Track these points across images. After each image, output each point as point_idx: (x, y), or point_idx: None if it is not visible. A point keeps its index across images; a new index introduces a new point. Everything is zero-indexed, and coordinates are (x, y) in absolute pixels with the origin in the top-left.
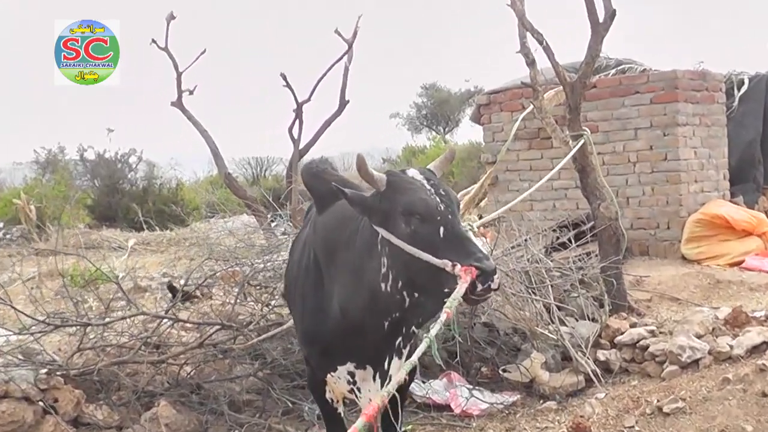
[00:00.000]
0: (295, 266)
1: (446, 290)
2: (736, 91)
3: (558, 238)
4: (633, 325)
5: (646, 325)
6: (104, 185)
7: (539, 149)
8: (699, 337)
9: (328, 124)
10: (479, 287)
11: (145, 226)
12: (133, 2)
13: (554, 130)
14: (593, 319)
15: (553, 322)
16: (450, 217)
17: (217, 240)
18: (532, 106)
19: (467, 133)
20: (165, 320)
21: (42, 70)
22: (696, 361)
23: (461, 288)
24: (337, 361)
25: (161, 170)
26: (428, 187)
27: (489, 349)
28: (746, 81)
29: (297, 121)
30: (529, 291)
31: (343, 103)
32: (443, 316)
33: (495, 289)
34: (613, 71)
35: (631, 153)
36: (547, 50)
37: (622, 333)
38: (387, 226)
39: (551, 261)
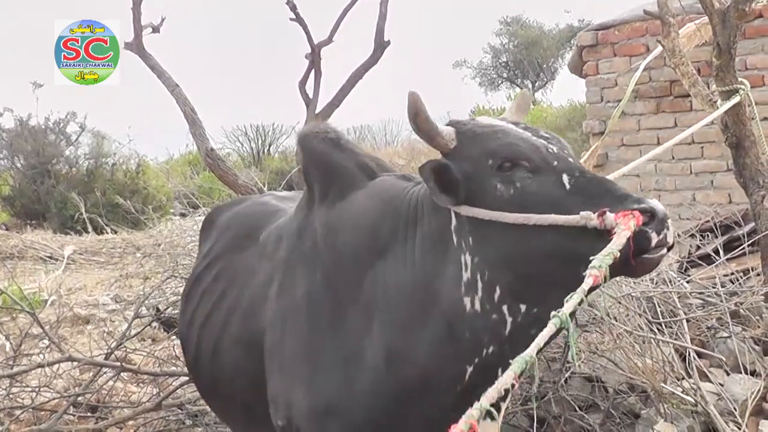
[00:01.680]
0: (273, 302)
1: (586, 273)
2: None
3: (699, 247)
4: None
5: None
6: (29, 166)
7: (671, 113)
8: None
9: (359, 76)
10: (653, 239)
11: (89, 227)
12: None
13: (694, 84)
14: (753, 372)
15: (690, 376)
16: (572, 160)
17: (188, 248)
18: (660, 48)
19: (567, 89)
20: (106, 369)
21: (42, 70)
22: None
23: (620, 237)
24: None
25: (114, 145)
26: (519, 129)
27: (591, 416)
28: None
29: (312, 73)
30: (654, 328)
31: (380, 45)
32: (588, 281)
33: (671, 246)
34: None
35: None
36: None
37: None
38: (470, 199)
39: (688, 282)
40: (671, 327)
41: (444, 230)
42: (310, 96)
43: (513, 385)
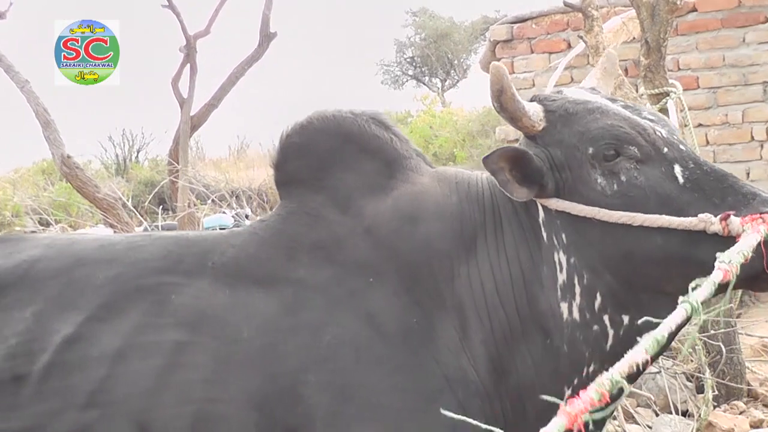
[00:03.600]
0: (312, 334)
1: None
2: None
3: None
4: (758, 425)
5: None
6: None
7: None
8: None
9: (241, 72)
10: None
11: None
12: (133, 2)
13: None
14: (686, 413)
15: (614, 418)
16: (683, 147)
17: None
18: (582, 45)
19: (480, 88)
20: None
21: (42, 70)
22: None
23: (750, 238)
24: None
25: None
26: (619, 106)
27: None
28: None
29: (188, 69)
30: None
31: (266, 38)
32: (718, 274)
33: None
34: None
35: (758, 125)
36: None
37: None
38: (562, 192)
39: None
40: None
41: (533, 223)
42: (185, 95)
43: (640, 372)
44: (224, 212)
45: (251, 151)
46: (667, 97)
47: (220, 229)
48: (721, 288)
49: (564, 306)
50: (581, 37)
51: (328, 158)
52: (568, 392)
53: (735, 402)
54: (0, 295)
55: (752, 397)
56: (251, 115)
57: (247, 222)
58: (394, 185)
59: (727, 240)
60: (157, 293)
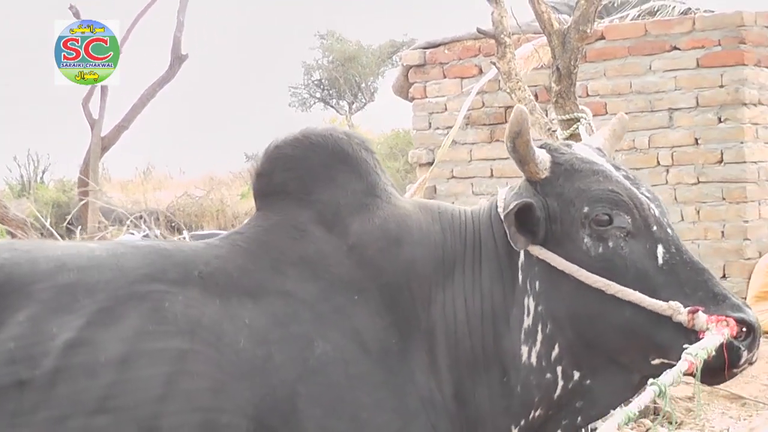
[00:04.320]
0: (306, 346)
1: (656, 362)
2: None
3: None
4: None
5: None
6: None
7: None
8: None
9: (152, 92)
10: (743, 357)
11: None
12: (133, 2)
13: (532, 111)
14: None
15: None
16: (671, 232)
17: None
18: (495, 70)
19: (387, 112)
20: None
21: (42, 70)
22: None
23: (714, 339)
24: None
25: None
26: (620, 175)
27: None
28: None
29: (98, 89)
30: None
31: (177, 59)
32: (683, 365)
33: (753, 363)
34: (635, 12)
35: (663, 150)
36: None
37: None
38: (548, 242)
39: None
40: None
41: (512, 264)
42: (95, 116)
43: None
44: (132, 233)
45: (157, 172)
46: (578, 123)
47: None
48: (684, 375)
49: (524, 349)
50: (494, 63)
51: (320, 174)
52: (514, 430)
53: (642, 420)
54: None
55: (657, 414)
56: (158, 137)
57: None
58: (380, 206)
59: (689, 332)
60: (151, 300)
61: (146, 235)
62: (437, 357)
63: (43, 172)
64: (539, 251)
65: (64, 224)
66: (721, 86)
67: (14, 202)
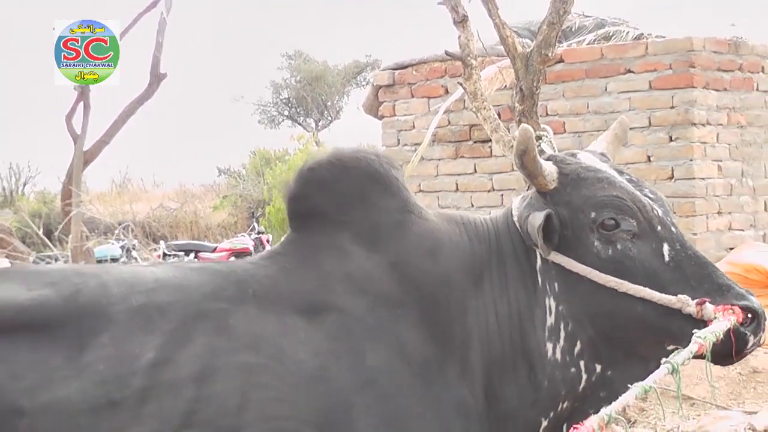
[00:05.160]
0: (359, 360)
1: (670, 349)
2: None
3: None
4: None
5: None
6: None
7: (471, 158)
8: None
9: (132, 110)
10: (750, 341)
11: None
12: (133, 2)
13: (496, 129)
14: None
15: None
16: (674, 230)
17: None
18: (461, 90)
19: (352, 129)
20: None
21: (42, 70)
22: None
23: (722, 324)
24: None
25: None
26: (624, 179)
27: None
28: None
29: (81, 106)
30: None
31: (156, 78)
32: (694, 346)
33: (761, 344)
34: (592, 37)
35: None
36: (488, 2)
37: None
38: (561, 246)
39: None
40: None
41: (531, 268)
42: (78, 131)
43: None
44: (112, 243)
45: (132, 185)
46: (540, 140)
47: (111, 259)
48: (695, 358)
49: (549, 346)
50: (461, 84)
51: (354, 194)
52: (544, 423)
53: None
54: (62, 326)
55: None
56: (133, 150)
57: (134, 253)
58: (413, 222)
59: (698, 322)
60: (215, 318)
61: (124, 245)
62: (472, 362)
63: (24, 185)
64: (554, 255)
65: (56, 233)
66: (672, 107)
67: None
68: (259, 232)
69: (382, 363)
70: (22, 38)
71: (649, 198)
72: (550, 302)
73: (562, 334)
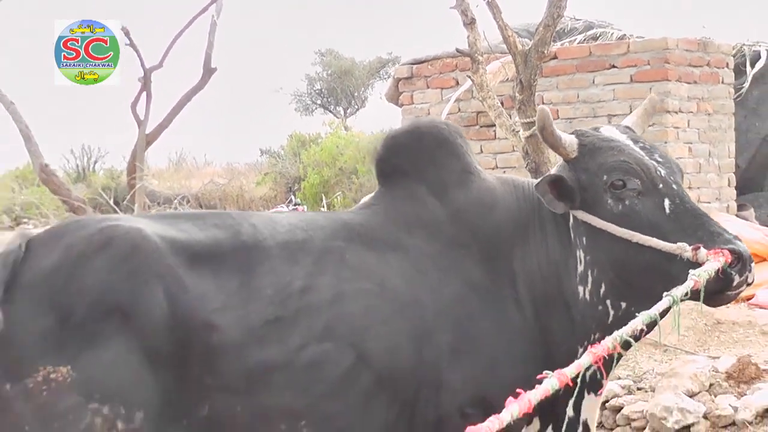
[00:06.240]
0: (436, 289)
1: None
2: (749, 67)
3: None
4: None
5: (619, 378)
6: None
7: (478, 140)
8: (692, 395)
9: (187, 99)
10: (735, 280)
11: None
12: (133, 2)
13: (499, 115)
14: None
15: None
16: (675, 187)
17: None
18: (469, 82)
19: (376, 116)
20: None
21: (42, 70)
22: (687, 428)
23: (713, 264)
24: None
25: None
26: (636, 147)
27: None
28: (764, 54)
29: (144, 95)
30: None
31: (208, 71)
32: (689, 282)
33: (750, 284)
34: (581, 37)
35: None
36: (493, 6)
37: None
38: (585, 206)
39: None
40: None
41: (565, 225)
42: (141, 117)
43: (638, 337)
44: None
45: (186, 163)
46: (536, 126)
47: None
48: (693, 295)
49: (580, 289)
50: (469, 77)
51: (428, 156)
52: (580, 350)
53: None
54: (233, 258)
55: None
56: (187, 134)
57: None
58: (474, 181)
59: (694, 264)
60: (337, 254)
61: None
62: (522, 298)
63: (95, 163)
64: (582, 215)
65: (123, 203)
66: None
67: (72, 187)
68: (295, 204)
69: (456, 293)
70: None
71: (657, 161)
72: (580, 253)
73: (590, 279)
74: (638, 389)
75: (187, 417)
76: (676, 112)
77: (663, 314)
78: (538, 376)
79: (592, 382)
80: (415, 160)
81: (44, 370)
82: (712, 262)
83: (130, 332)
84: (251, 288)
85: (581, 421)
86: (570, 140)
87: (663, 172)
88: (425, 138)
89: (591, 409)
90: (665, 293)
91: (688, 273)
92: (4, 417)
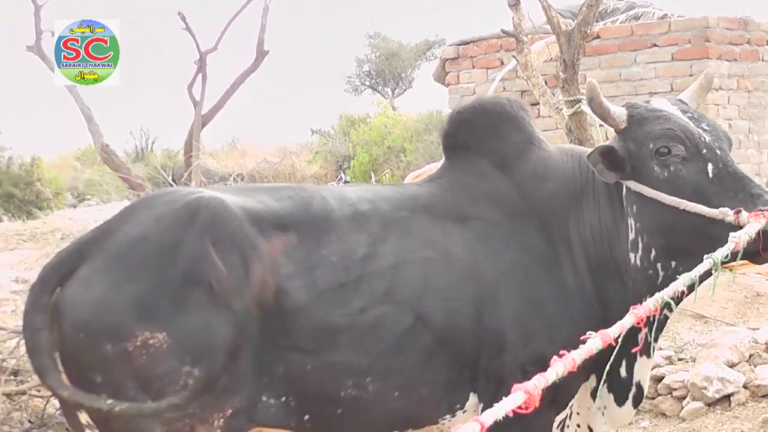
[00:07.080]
0: (499, 254)
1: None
2: None
3: None
4: None
5: (661, 349)
6: None
7: None
8: (732, 365)
9: (241, 81)
10: None
11: None
12: (133, 2)
13: (543, 94)
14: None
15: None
16: (719, 152)
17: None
18: (514, 62)
19: (423, 97)
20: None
21: (42, 70)
22: (727, 397)
23: (754, 226)
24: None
25: (9, 141)
26: (684, 116)
27: None
28: None
29: (200, 77)
30: None
31: (261, 54)
32: (730, 245)
33: None
34: (623, 17)
35: None
36: None
37: None
38: (635, 174)
39: None
40: None
41: (618, 194)
42: (197, 98)
43: (680, 299)
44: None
45: (241, 143)
46: (579, 103)
47: None
48: (733, 256)
49: (632, 255)
50: (514, 57)
51: (491, 130)
52: None
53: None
54: (304, 227)
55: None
56: (241, 114)
57: None
58: (533, 152)
59: (736, 227)
60: (402, 224)
61: None
62: (577, 263)
63: (153, 143)
64: (633, 185)
65: (181, 181)
66: (691, 75)
67: (132, 166)
68: (345, 182)
69: (517, 258)
70: (22, 33)
71: (703, 129)
72: (631, 221)
73: (640, 245)
74: (679, 360)
75: (267, 375)
76: (716, 90)
77: (705, 277)
78: (582, 337)
79: (644, 345)
80: (478, 135)
81: (142, 336)
82: (753, 223)
83: (216, 297)
84: (319, 256)
85: (634, 383)
86: (619, 112)
87: (707, 139)
88: (488, 113)
89: (643, 371)
90: (705, 256)
91: (729, 235)
92: (108, 375)
